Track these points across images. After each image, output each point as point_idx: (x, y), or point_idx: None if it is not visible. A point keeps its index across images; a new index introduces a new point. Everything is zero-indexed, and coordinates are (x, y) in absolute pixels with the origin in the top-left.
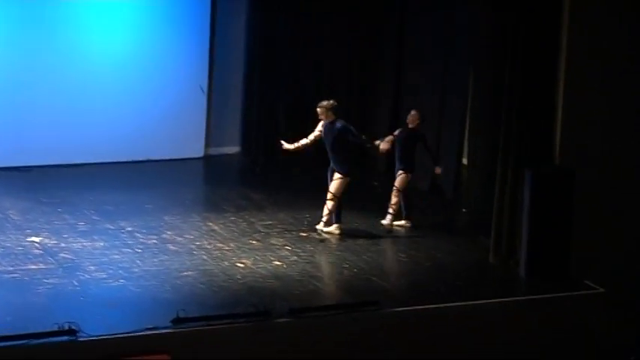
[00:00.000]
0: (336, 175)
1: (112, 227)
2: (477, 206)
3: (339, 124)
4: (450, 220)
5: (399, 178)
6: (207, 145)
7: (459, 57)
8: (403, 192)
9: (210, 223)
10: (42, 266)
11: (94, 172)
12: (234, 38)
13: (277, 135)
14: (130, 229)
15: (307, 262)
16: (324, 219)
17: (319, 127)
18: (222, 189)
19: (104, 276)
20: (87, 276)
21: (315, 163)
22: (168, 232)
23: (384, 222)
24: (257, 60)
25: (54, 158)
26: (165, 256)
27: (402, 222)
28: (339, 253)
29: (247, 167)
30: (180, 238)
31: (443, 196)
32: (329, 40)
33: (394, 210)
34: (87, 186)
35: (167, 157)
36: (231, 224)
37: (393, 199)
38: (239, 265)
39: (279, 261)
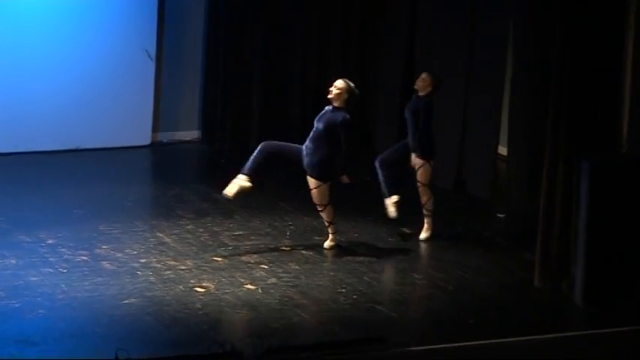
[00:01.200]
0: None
1: (27, 239)
2: (518, 210)
3: (341, 116)
4: (482, 229)
5: (420, 170)
6: (155, 129)
7: (492, 22)
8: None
9: (160, 234)
10: None
11: (5, 164)
12: None
13: (248, 116)
14: (51, 241)
15: (290, 286)
16: (330, 234)
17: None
18: (176, 188)
19: (17, 305)
20: None
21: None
22: (104, 247)
23: (421, 236)
24: (222, 18)
25: None
26: (100, 278)
27: (389, 201)
28: (332, 273)
29: (210, 159)
30: (119, 254)
31: (473, 196)
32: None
33: (429, 212)
34: None
35: (102, 146)
36: (187, 235)
37: (423, 198)
38: (199, 290)
39: (252, 284)
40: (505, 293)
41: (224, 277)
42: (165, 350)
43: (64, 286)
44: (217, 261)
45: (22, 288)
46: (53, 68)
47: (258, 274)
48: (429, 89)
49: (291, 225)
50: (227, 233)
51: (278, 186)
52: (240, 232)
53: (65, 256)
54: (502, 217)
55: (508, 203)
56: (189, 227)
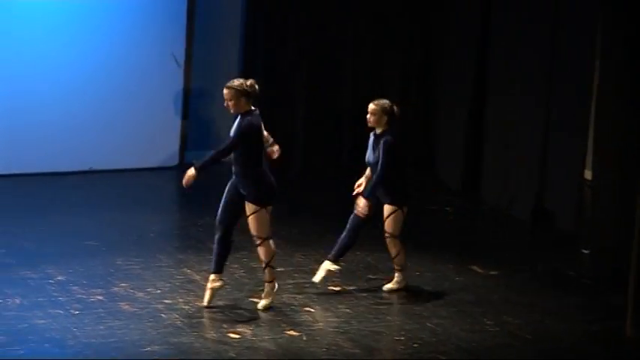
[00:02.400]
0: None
1: (33, 275)
2: (606, 245)
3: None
4: (565, 267)
5: (389, 219)
6: (183, 148)
7: (575, 30)
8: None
9: (188, 271)
10: None
11: (6, 187)
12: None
13: (289, 135)
14: (61, 278)
15: (340, 333)
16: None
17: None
18: (207, 216)
19: (21, 352)
20: None
21: (346, 177)
22: (122, 284)
23: (385, 287)
24: (258, 27)
25: None
26: (118, 322)
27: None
28: (389, 318)
29: None
30: (140, 294)
31: (555, 229)
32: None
33: (399, 267)
34: None
35: (122, 167)
36: None
37: (392, 251)
38: (232, 336)
39: (295, 330)
40: (591, 343)
41: (262, 322)
42: None
43: (75, 330)
44: (254, 302)
45: (27, 332)
46: (71, 81)
47: (302, 318)
48: (385, 120)
49: (341, 260)
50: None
51: (325, 216)
52: (282, 269)
53: (77, 296)
54: (588, 253)
55: (594, 237)
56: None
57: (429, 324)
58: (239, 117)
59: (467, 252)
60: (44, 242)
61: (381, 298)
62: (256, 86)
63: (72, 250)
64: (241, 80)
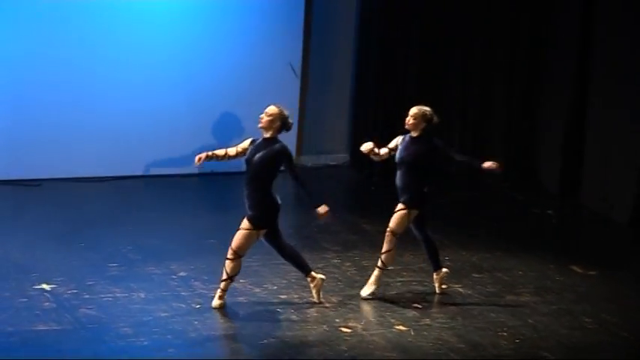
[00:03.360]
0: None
1: (157, 271)
2: None
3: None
4: None
5: (395, 215)
6: (298, 152)
7: None
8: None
9: None
10: (54, 327)
11: (130, 188)
12: (341, 6)
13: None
14: (183, 274)
15: (446, 328)
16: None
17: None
18: None
19: (145, 343)
20: (120, 342)
21: (458, 180)
22: (241, 280)
23: (363, 292)
24: (373, 37)
25: (70, 169)
26: (236, 316)
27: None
28: (493, 314)
29: (359, 185)
30: (257, 290)
31: None
32: (487, 9)
33: (382, 266)
34: (117, 208)
35: (239, 170)
36: (333, 269)
37: (384, 246)
38: (344, 330)
39: (403, 325)
40: None
41: (372, 317)
42: None
43: (196, 323)
44: (366, 299)
45: (152, 324)
46: (191, 86)
47: (410, 314)
48: (422, 126)
49: (448, 260)
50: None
51: (433, 217)
52: (391, 267)
53: (198, 291)
54: None
55: None
56: (335, 261)
57: (530, 321)
58: (267, 142)
59: (567, 253)
60: (168, 240)
61: (486, 295)
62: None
63: (194, 248)
64: (282, 107)
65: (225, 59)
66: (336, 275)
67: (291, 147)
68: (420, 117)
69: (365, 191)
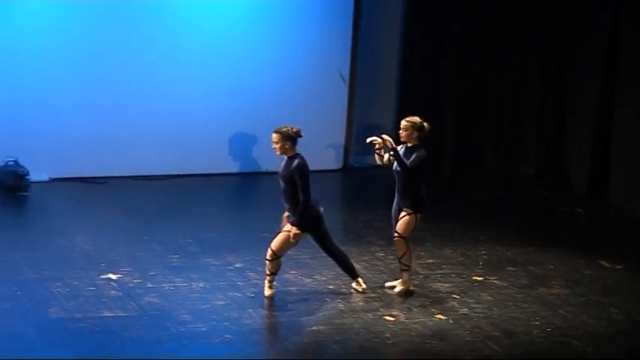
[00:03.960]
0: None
1: (215, 262)
2: None
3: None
4: None
5: (401, 220)
6: (347, 152)
7: None
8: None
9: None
10: (120, 314)
11: (185, 185)
12: (386, 14)
13: (442, 140)
14: (239, 265)
15: (482, 317)
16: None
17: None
18: (366, 213)
19: (204, 329)
20: (181, 328)
21: (494, 179)
22: (292, 272)
23: (396, 290)
24: (417, 42)
25: (136, 168)
26: (289, 305)
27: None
28: (526, 305)
29: None
30: (307, 280)
31: None
32: (519, 19)
33: (406, 267)
34: (182, 205)
35: None
36: (377, 262)
37: (399, 252)
38: (388, 318)
39: (443, 315)
40: None
41: (414, 306)
42: None
43: (251, 310)
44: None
45: (209, 312)
46: (245, 90)
47: (449, 304)
48: (415, 135)
49: (484, 254)
50: (418, 261)
51: (470, 214)
52: (432, 261)
53: (253, 281)
54: None
55: None
56: (379, 254)
57: (560, 311)
58: (289, 159)
59: (595, 248)
60: (224, 234)
61: (520, 287)
62: (301, 133)
63: (248, 241)
64: (288, 127)
65: (278, 68)
66: (380, 267)
67: (340, 149)
68: (411, 127)
69: None
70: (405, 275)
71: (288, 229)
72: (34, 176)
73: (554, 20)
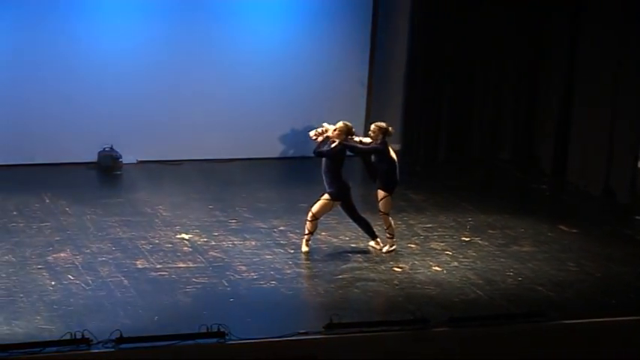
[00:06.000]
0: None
1: (264, 226)
2: None
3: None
4: (625, 229)
5: (382, 202)
6: None
7: None
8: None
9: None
10: (191, 265)
11: (246, 168)
12: (397, 29)
13: (438, 133)
14: (282, 228)
15: (469, 269)
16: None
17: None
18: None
19: (255, 277)
20: (237, 276)
21: (479, 163)
22: (323, 233)
23: (384, 249)
24: (420, 53)
25: (204, 153)
26: (318, 257)
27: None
28: (502, 260)
29: (408, 166)
30: (335, 240)
31: (616, 202)
32: (500, 34)
33: (391, 235)
34: (239, 182)
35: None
36: None
37: (385, 224)
38: (396, 269)
39: (438, 267)
40: None
41: (416, 260)
42: (368, 316)
43: (291, 263)
44: (411, 247)
45: (260, 264)
46: (287, 95)
47: (443, 259)
48: (381, 137)
49: (470, 220)
50: (420, 225)
51: (460, 190)
52: (430, 225)
53: (293, 240)
54: (639, 219)
55: None
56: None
57: (529, 264)
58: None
59: (556, 216)
60: (272, 204)
61: (498, 246)
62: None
63: (290, 210)
64: (349, 124)
65: (310, 74)
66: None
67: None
68: (378, 130)
69: (412, 171)
70: (391, 240)
71: (326, 197)
72: (125, 159)
73: (526, 33)
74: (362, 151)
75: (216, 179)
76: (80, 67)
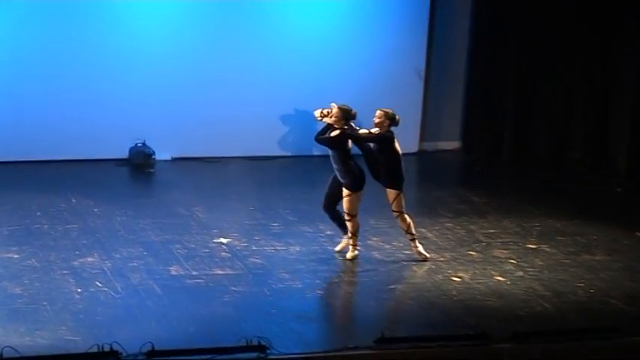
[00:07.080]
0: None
1: (309, 230)
2: None
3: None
4: None
5: (395, 201)
6: (422, 139)
7: None
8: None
9: (423, 230)
10: (229, 272)
11: (290, 166)
12: (457, 17)
13: (502, 130)
14: (329, 232)
15: (535, 279)
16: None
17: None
18: (438, 190)
19: (300, 286)
20: (280, 285)
21: (547, 164)
22: (374, 239)
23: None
24: (483, 43)
25: (244, 149)
26: (370, 266)
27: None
28: (572, 270)
29: (468, 166)
30: (387, 246)
31: None
32: (567, 23)
33: (412, 236)
34: (282, 182)
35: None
36: (447, 231)
37: (403, 225)
38: (455, 279)
39: (501, 276)
40: None
41: (477, 269)
42: (423, 330)
43: (338, 270)
44: (471, 255)
45: (304, 271)
46: (339, 86)
47: (506, 268)
48: (387, 124)
49: (537, 226)
50: (481, 231)
51: (528, 192)
52: (492, 231)
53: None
54: None
55: None
56: (448, 225)
57: (601, 275)
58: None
59: (632, 222)
60: (317, 206)
61: (567, 254)
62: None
63: None
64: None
65: (363, 66)
66: (449, 236)
67: (414, 135)
68: (384, 116)
69: (472, 171)
70: (413, 243)
71: (346, 192)
72: (158, 156)
73: (595, 32)
74: (363, 139)
75: (257, 178)
76: (110, 56)
